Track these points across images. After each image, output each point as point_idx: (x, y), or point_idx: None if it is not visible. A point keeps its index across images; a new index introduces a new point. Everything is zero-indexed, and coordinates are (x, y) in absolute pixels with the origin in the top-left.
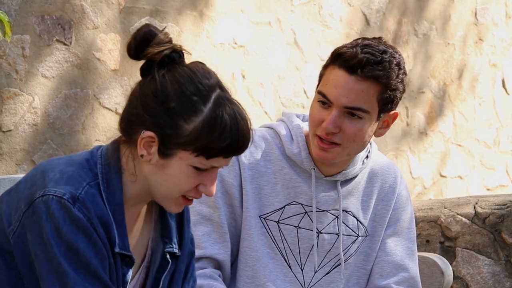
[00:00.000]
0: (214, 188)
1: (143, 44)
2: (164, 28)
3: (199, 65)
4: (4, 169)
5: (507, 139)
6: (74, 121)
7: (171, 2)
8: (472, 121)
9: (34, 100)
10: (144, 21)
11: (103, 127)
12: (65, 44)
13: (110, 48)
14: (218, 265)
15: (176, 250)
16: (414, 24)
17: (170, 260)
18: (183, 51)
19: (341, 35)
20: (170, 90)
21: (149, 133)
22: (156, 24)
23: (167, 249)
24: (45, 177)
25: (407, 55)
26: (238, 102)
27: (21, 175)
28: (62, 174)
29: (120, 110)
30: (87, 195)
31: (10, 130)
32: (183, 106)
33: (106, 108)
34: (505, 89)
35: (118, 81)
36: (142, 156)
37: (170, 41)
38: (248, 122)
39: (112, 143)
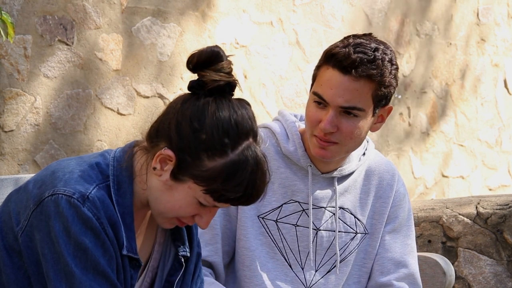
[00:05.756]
0: (209, 223)
1: (205, 63)
2: (230, 56)
3: (243, 105)
4: (6, 169)
5: (509, 139)
6: (76, 121)
7: (173, 2)
8: (474, 121)
9: (36, 100)
10: (146, 21)
11: (105, 127)
12: (67, 44)
13: (112, 48)
14: (210, 266)
15: (188, 254)
16: (416, 24)
17: (184, 263)
18: (236, 86)
19: (343, 35)
20: (207, 122)
21: (170, 153)
22: (158, 24)
23: (181, 253)
24: (55, 177)
25: (409, 55)
26: (264, 156)
27: (23, 175)
28: (72, 174)
29: (122, 110)
30: (96, 195)
31: (12, 130)
32: (212, 142)
33: (108, 108)
34: (507, 89)
35: (120, 81)
36: (154, 169)
37: (229, 72)
38: (267, 177)
39: (127, 146)
